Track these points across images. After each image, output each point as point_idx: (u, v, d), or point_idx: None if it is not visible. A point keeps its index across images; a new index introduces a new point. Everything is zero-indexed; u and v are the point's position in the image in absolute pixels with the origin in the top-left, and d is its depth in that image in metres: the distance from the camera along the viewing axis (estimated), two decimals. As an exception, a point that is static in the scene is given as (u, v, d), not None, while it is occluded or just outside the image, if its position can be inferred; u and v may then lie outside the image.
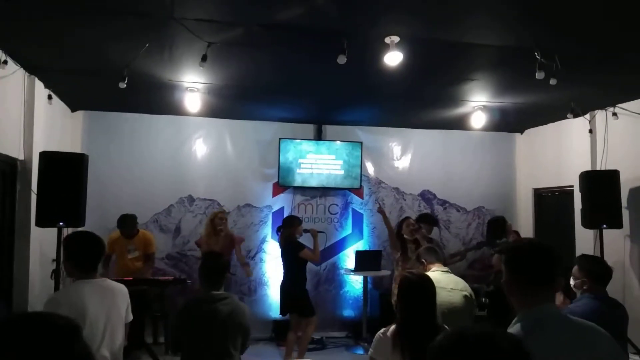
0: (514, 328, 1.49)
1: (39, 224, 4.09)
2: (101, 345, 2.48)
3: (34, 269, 4.46)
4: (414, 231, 4.97)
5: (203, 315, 2.77)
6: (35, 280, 4.47)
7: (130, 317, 2.72)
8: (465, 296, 3.19)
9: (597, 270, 2.79)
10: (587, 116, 5.62)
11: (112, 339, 2.54)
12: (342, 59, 3.37)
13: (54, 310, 2.38)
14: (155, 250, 5.70)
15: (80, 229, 4.29)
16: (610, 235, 5.12)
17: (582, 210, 5.19)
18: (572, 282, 2.85)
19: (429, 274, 2.97)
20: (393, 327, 2.35)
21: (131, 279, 5.02)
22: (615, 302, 2.91)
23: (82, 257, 2.56)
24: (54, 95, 4.92)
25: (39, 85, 4.57)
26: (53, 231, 4.23)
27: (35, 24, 3.38)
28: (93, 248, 2.59)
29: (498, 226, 5.75)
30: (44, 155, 4.14)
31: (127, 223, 5.43)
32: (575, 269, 2.85)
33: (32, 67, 4.34)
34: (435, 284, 2.42)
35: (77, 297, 2.46)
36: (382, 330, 2.39)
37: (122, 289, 2.69)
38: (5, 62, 3.77)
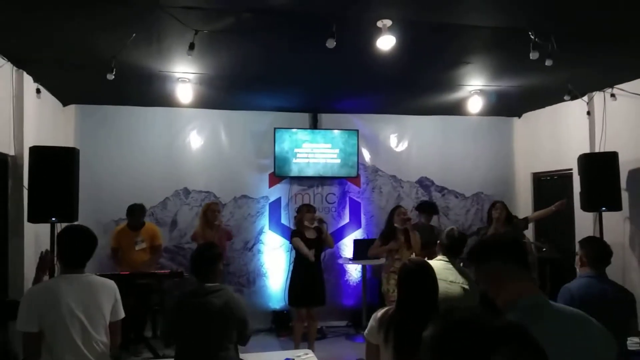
0: None
1: (31, 219, 4.04)
2: (80, 343, 2.38)
3: (29, 265, 4.41)
4: (404, 221, 4.86)
5: (195, 309, 2.68)
6: (30, 275, 4.37)
7: (121, 315, 2.60)
8: (465, 288, 3.14)
9: (591, 251, 2.96)
10: (585, 98, 5.55)
11: (92, 337, 2.43)
12: (331, 43, 3.27)
13: (28, 303, 2.34)
14: (162, 242, 5.69)
15: (74, 223, 4.26)
16: (609, 217, 5.08)
17: (581, 193, 5.14)
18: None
19: (431, 262, 2.93)
20: (385, 310, 2.34)
21: (128, 272, 5.00)
22: (616, 285, 2.97)
23: (68, 251, 2.50)
24: (43, 89, 4.85)
25: (27, 79, 4.49)
26: (48, 226, 4.18)
27: (20, 16, 3.29)
28: (80, 243, 2.51)
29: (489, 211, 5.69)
30: (34, 150, 4.08)
31: (136, 212, 5.39)
32: (578, 248, 3.08)
33: (19, 61, 4.26)
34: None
35: (52, 292, 2.39)
36: (376, 312, 2.38)
37: (108, 284, 2.57)
38: (-9, 55, 3.71)
